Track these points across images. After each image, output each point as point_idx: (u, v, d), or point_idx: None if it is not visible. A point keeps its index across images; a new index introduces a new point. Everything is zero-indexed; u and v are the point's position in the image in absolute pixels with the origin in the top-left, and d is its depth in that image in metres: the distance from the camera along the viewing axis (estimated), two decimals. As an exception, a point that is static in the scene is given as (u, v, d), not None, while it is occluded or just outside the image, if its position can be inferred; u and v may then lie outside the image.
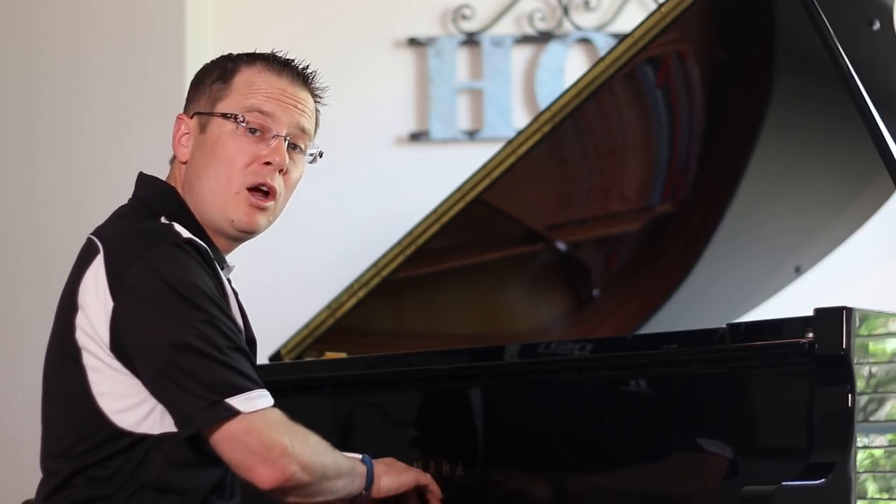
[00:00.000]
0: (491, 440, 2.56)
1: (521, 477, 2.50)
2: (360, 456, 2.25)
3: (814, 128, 3.16)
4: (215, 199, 2.21)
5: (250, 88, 2.23)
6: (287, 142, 2.24)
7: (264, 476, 2.02)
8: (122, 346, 2.06)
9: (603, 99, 3.05)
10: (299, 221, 3.92)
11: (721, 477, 2.28)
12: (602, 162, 3.32)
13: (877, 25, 2.91)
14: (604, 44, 4.26)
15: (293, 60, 2.29)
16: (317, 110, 2.31)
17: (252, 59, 2.27)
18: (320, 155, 2.31)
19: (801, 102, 3.09)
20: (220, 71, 2.26)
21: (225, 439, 2.02)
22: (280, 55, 2.28)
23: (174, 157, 2.29)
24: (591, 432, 2.45)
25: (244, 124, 2.21)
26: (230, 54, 2.30)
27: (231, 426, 2.02)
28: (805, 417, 2.20)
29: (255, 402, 2.03)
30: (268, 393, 2.06)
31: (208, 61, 2.31)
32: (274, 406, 2.07)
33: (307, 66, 2.30)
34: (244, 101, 2.22)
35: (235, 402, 2.01)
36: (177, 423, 2.05)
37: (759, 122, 3.11)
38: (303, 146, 2.27)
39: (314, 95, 2.30)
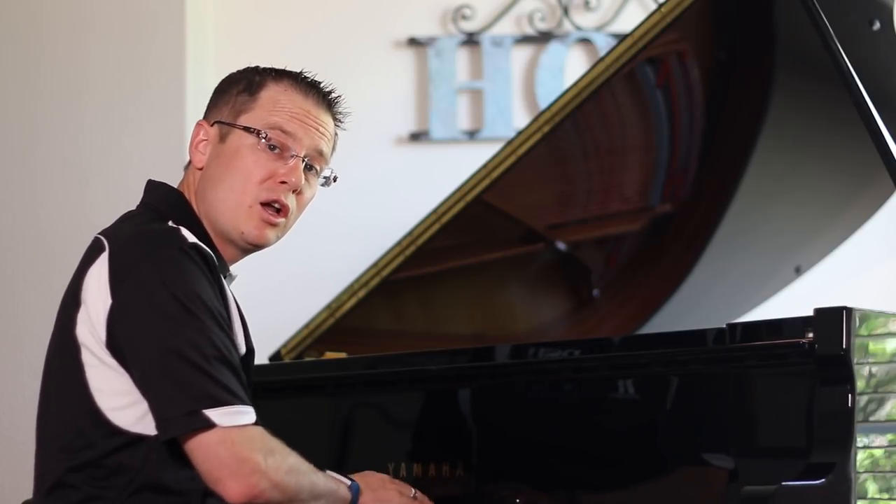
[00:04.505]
0: (491, 440, 2.56)
1: (522, 477, 2.50)
2: (348, 482, 2.23)
3: (814, 128, 3.16)
4: (228, 209, 2.22)
5: (275, 106, 2.24)
6: (304, 162, 2.24)
7: (232, 490, 2.00)
8: (118, 344, 2.07)
9: (603, 99, 3.05)
10: (300, 221, 3.89)
11: (721, 477, 2.28)
12: (602, 162, 3.32)
13: (877, 25, 2.91)
14: (604, 44, 4.26)
15: (320, 83, 2.30)
16: (335, 134, 2.32)
17: (279, 75, 2.28)
18: (334, 179, 2.33)
19: (801, 102, 3.09)
20: (247, 83, 2.27)
21: (198, 448, 2.02)
22: (308, 75, 2.30)
23: (189, 163, 2.29)
24: (590, 432, 2.45)
25: (265, 140, 2.22)
26: (257, 67, 2.31)
27: (206, 436, 2.01)
28: (805, 417, 2.20)
29: (234, 417, 2.02)
30: (251, 410, 2.05)
31: (234, 71, 2.32)
32: (256, 424, 2.05)
33: (333, 89, 2.32)
34: (268, 118, 2.24)
35: (212, 414, 2.01)
36: (156, 426, 2.05)
37: (759, 122, 3.11)
38: (318, 168, 2.29)
39: (335, 119, 2.32)
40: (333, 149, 2.33)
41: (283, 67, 2.31)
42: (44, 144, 4.14)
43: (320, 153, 2.28)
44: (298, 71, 2.30)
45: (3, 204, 4.14)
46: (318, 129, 2.27)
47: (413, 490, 2.34)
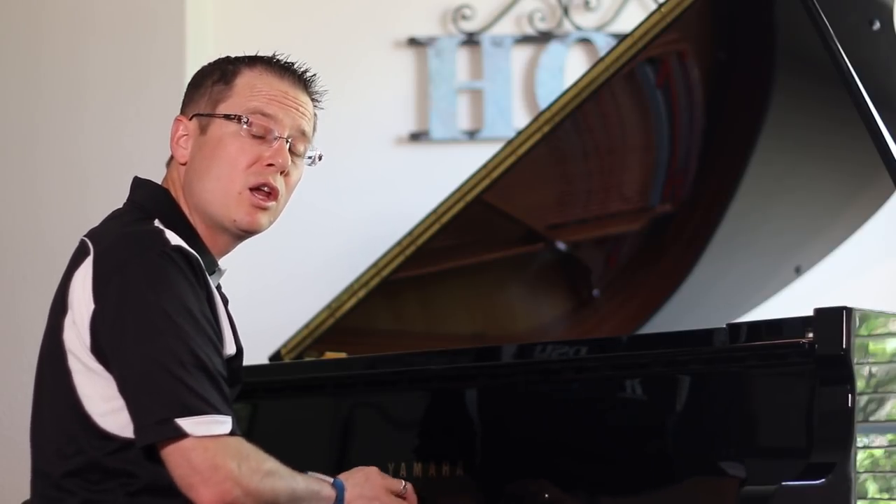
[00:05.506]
0: (491, 440, 2.56)
1: (522, 478, 2.50)
2: (331, 480, 2.21)
3: (814, 128, 3.16)
4: (217, 199, 2.21)
5: (252, 91, 2.24)
6: (288, 143, 2.24)
7: (204, 497, 1.99)
8: (101, 349, 2.06)
9: (603, 99, 3.05)
10: (299, 221, 3.91)
11: (721, 477, 2.28)
12: (602, 162, 3.32)
13: (877, 25, 2.91)
14: (604, 44, 4.26)
15: (293, 63, 2.30)
16: (315, 114, 2.32)
17: (253, 61, 2.27)
18: (319, 158, 2.31)
19: (801, 102, 3.09)
20: (221, 73, 2.26)
21: (171, 454, 2.01)
22: (281, 58, 2.29)
23: (171, 159, 2.29)
24: (590, 432, 2.45)
25: (247, 126, 2.21)
26: (229, 56, 2.30)
27: (179, 443, 2.00)
28: (805, 417, 2.20)
29: (207, 426, 2.01)
30: (227, 420, 2.04)
31: (206, 64, 2.31)
32: (233, 433, 2.04)
33: (307, 69, 2.31)
34: (246, 103, 2.23)
35: (185, 423, 1.99)
36: (133, 432, 2.04)
37: (759, 122, 3.11)
38: (302, 149, 2.28)
39: (313, 99, 2.31)
40: (314, 129, 2.31)
41: (254, 53, 2.30)
42: (44, 144, 4.13)
43: (303, 133, 2.27)
44: (271, 55, 2.30)
45: (3, 204, 4.14)
46: (297, 109, 2.26)
47: (403, 483, 2.33)
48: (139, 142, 4.05)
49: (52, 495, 2.11)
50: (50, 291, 2.20)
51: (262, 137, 2.22)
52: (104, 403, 2.07)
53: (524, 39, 4.33)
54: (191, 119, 2.26)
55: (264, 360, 3.36)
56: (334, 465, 2.64)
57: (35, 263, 4.07)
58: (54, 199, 4.12)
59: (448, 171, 3.64)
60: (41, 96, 4.15)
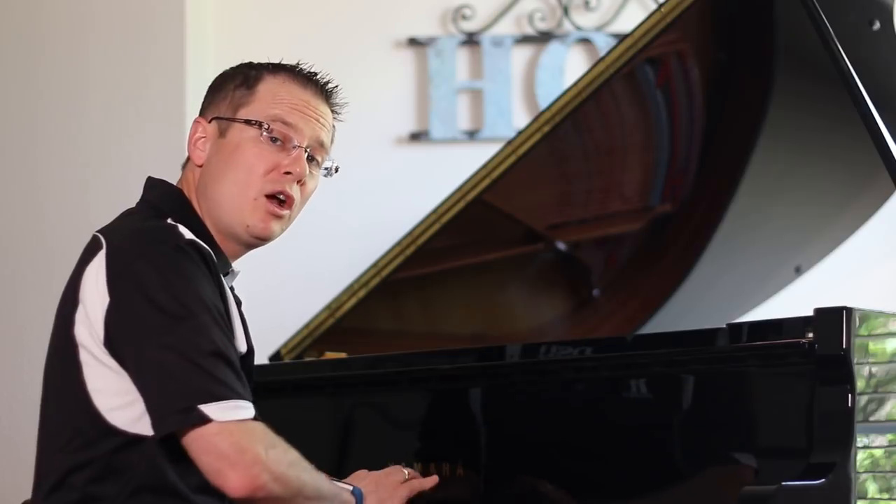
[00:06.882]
0: (491, 440, 2.56)
1: (521, 477, 2.50)
2: (350, 487, 2.22)
3: (814, 128, 3.16)
4: (232, 203, 2.21)
5: (274, 98, 2.24)
6: (306, 153, 2.24)
7: (233, 482, 1.97)
8: (116, 343, 2.06)
9: (603, 99, 3.05)
10: (299, 222, 3.88)
11: (721, 477, 2.28)
12: (602, 162, 3.32)
13: (877, 25, 2.91)
14: (604, 44, 4.26)
15: (317, 74, 2.30)
16: (333, 126, 2.32)
17: (276, 68, 2.28)
18: (336, 169, 2.32)
19: (801, 102, 3.09)
20: (244, 77, 2.27)
21: (195, 440, 1.99)
22: (304, 68, 2.30)
23: (188, 160, 2.29)
24: (590, 432, 2.45)
25: (267, 132, 2.21)
26: (251, 62, 2.31)
27: (204, 429, 1.99)
28: (805, 417, 2.20)
29: (231, 411, 2.00)
30: (250, 405, 2.03)
31: (228, 68, 2.32)
32: (255, 419, 2.03)
33: (329, 80, 2.31)
34: (268, 110, 2.23)
35: (208, 409, 1.99)
36: (152, 423, 2.04)
37: (759, 122, 3.11)
38: (319, 159, 2.29)
39: (333, 111, 2.32)
40: (332, 140, 2.32)
41: (278, 61, 2.31)
42: (44, 144, 4.14)
43: (321, 144, 2.27)
44: (295, 63, 2.30)
45: (3, 204, 4.14)
46: (318, 120, 2.27)
47: (405, 471, 2.36)
48: (139, 142, 4.06)
49: (55, 492, 2.10)
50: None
51: (281, 145, 2.23)
52: (115, 398, 2.07)
53: (524, 39, 4.33)
54: (210, 122, 2.26)
55: (264, 360, 3.36)
56: (335, 465, 2.64)
57: (35, 263, 4.08)
58: (54, 199, 4.12)
59: (448, 171, 3.64)
60: (41, 96, 4.15)
